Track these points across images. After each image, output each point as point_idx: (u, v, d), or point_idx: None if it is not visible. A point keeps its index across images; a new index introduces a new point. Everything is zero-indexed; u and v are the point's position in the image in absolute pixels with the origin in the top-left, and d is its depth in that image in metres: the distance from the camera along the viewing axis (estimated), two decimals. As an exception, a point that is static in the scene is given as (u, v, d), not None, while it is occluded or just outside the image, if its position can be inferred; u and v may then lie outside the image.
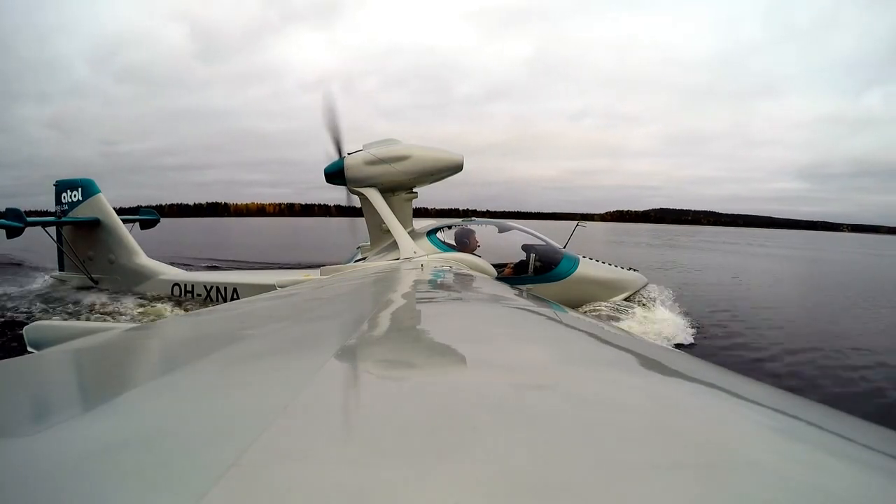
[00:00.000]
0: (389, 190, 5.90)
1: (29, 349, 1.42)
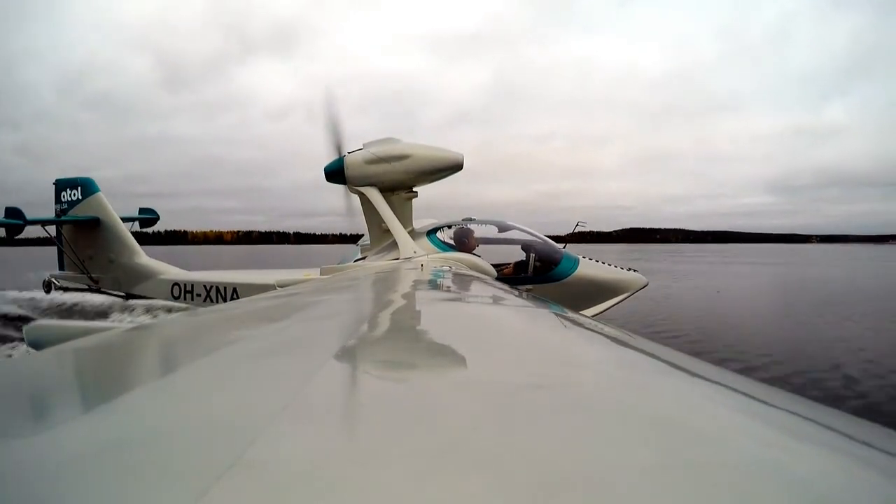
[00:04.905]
0: (389, 189, 5.91)
1: (29, 349, 1.42)
